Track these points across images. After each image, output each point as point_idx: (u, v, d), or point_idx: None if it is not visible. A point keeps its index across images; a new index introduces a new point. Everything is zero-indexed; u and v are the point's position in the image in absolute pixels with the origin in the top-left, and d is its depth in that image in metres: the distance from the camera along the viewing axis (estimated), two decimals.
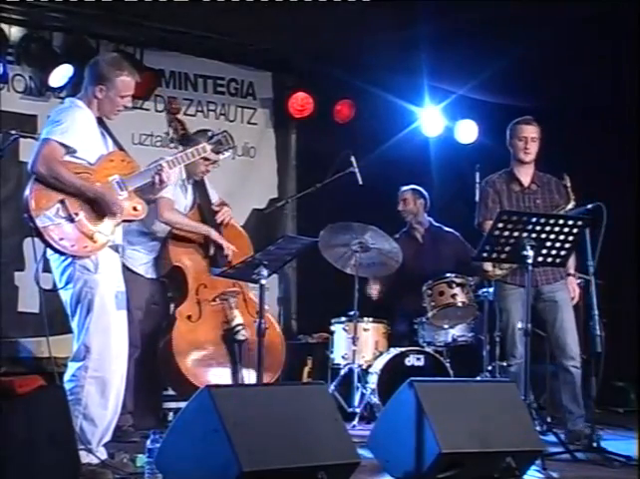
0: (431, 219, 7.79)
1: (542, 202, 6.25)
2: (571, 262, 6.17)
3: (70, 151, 4.68)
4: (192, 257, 6.13)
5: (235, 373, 5.96)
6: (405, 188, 7.73)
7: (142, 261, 6.08)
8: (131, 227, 5.76)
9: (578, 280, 6.33)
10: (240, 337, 5.97)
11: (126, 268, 5.84)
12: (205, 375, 5.93)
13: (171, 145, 7.02)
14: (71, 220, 4.63)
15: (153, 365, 6.06)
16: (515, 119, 6.33)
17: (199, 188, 6.26)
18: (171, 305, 6.26)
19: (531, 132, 6.25)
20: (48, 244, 4.63)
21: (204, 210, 6.23)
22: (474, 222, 6.42)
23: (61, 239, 4.61)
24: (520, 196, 6.30)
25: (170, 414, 6.29)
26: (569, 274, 6.27)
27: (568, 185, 6.04)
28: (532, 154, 6.28)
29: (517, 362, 5.98)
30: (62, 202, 4.63)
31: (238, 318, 6.03)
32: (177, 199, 6.12)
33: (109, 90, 4.82)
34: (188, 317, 6.02)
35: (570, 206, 6.04)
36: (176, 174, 5.47)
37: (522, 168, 6.33)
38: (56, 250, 4.64)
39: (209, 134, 5.68)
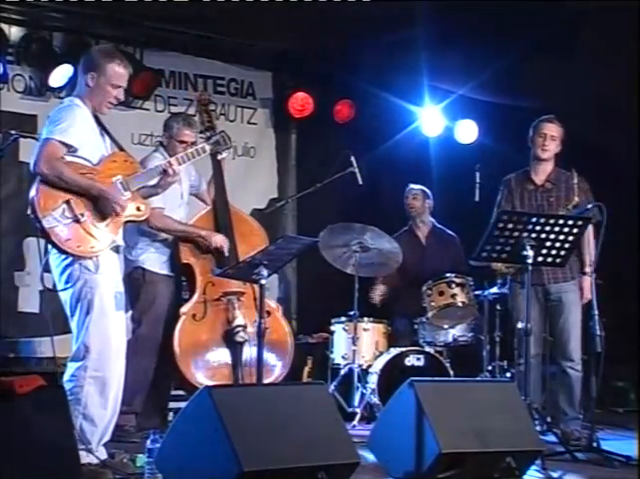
0: (433, 220, 7.79)
1: (556, 200, 6.23)
2: (588, 260, 6.20)
3: (71, 150, 4.68)
4: (201, 255, 6.13)
5: (236, 374, 5.95)
6: (415, 186, 7.74)
7: (159, 261, 6.08)
8: (139, 229, 5.83)
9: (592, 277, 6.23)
10: (239, 339, 5.97)
11: (147, 271, 5.89)
12: (205, 376, 5.94)
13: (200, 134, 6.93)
14: (76, 220, 4.63)
15: (163, 365, 6.06)
16: (540, 117, 6.33)
17: (216, 171, 6.29)
18: None
19: (552, 130, 6.27)
20: (54, 245, 4.63)
21: (218, 203, 6.25)
22: (474, 221, 6.41)
23: (67, 239, 4.61)
24: (533, 194, 6.32)
25: (171, 414, 6.29)
26: (584, 273, 6.24)
27: (574, 181, 6.02)
28: (550, 151, 6.29)
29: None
30: (67, 202, 4.62)
31: (239, 319, 6.03)
32: (173, 199, 6.07)
33: (99, 77, 4.78)
34: (193, 316, 6.04)
35: (573, 203, 6.01)
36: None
37: (539, 165, 6.33)
38: (62, 251, 4.64)
39: (208, 134, 5.65)
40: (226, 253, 6.08)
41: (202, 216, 6.26)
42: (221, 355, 6.03)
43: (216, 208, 6.26)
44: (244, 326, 6.01)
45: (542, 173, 6.35)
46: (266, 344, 5.45)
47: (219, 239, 6.10)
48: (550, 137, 6.27)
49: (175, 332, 5.96)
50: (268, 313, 6.05)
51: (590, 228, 6.22)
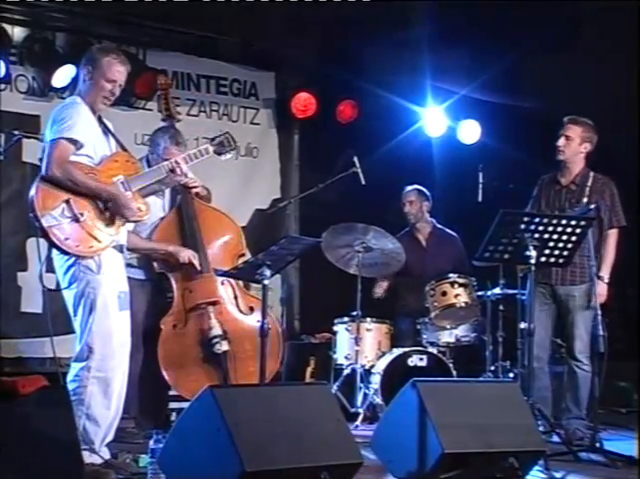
0: (433, 220, 7.78)
1: (577, 201, 6.18)
2: (606, 265, 6.17)
3: (77, 146, 4.69)
4: (176, 262, 5.98)
5: (225, 380, 5.86)
6: (409, 188, 7.70)
7: (132, 266, 5.94)
8: None
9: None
10: (217, 351, 5.88)
11: None
12: (192, 386, 5.63)
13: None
14: (76, 220, 4.64)
15: (156, 367, 6.02)
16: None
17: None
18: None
19: (566, 130, 6.22)
20: (53, 244, 4.64)
21: (184, 210, 6.11)
22: (477, 222, 6.41)
23: (66, 239, 4.62)
24: (558, 194, 6.30)
25: (173, 414, 6.28)
26: (599, 277, 6.14)
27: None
28: (564, 151, 6.22)
29: (536, 365, 5.94)
30: (67, 202, 4.63)
31: (216, 329, 5.91)
32: (154, 212, 5.90)
33: (94, 71, 4.80)
34: (174, 327, 5.94)
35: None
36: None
37: (564, 166, 6.30)
38: (61, 250, 4.65)
39: (212, 136, 5.61)
40: (198, 267, 5.96)
41: (169, 216, 6.09)
42: (206, 364, 5.92)
43: (180, 203, 6.11)
44: (222, 336, 5.90)
45: (569, 174, 6.30)
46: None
47: (188, 254, 5.95)
48: (565, 137, 6.21)
49: (159, 345, 5.85)
50: (251, 309, 6.04)
51: (615, 232, 6.22)
